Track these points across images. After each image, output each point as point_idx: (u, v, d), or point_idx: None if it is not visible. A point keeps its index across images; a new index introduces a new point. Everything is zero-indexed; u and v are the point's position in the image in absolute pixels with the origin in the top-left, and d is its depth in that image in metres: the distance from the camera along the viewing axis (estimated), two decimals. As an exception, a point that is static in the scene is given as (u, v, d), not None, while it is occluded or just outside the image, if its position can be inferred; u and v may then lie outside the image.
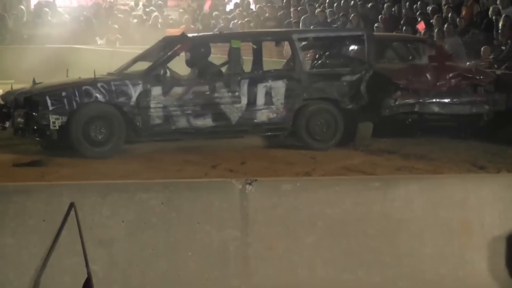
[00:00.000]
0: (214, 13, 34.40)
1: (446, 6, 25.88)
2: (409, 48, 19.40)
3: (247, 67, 16.33)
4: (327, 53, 17.39)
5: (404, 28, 24.86)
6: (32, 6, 38.66)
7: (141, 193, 6.35)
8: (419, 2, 26.96)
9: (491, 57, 21.16)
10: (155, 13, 35.24)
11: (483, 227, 6.58)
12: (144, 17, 35.34)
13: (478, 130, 16.72)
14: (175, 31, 27.97)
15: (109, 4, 39.07)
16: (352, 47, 17.13)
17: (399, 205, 6.59)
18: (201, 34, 20.28)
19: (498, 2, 24.72)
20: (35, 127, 14.18)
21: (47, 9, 36.38)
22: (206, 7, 36.64)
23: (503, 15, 23.64)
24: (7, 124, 14.63)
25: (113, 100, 14.31)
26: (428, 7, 26.84)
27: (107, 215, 6.01)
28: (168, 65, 15.36)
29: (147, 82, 14.52)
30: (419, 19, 25.64)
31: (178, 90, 14.77)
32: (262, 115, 15.06)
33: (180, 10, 37.04)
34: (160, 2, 37.58)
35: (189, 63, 15.95)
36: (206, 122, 14.80)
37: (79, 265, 5.75)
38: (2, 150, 15.10)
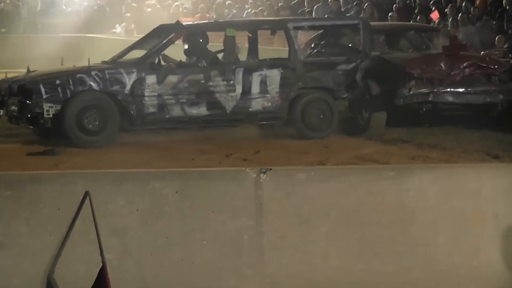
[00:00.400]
0: (227, 2, 34.51)
1: None
2: (423, 37, 19.27)
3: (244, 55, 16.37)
4: (323, 42, 17.41)
5: (418, 17, 24.82)
6: None
7: (155, 182, 6.36)
8: None
9: (505, 46, 21.04)
10: (169, 1, 36.79)
11: (497, 216, 6.55)
12: (158, 6, 36.31)
13: (492, 120, 16.62)
14: (189, 20, 28.17)
15: None
16: (349, 35, 17.08)
17: (413, 195, 6.59)
18: (196, 22, 20.34)
19: (512, -9, 25.91)
20: (29, 115, 14.20)
21: None
22: None
23: (517, 4, 24.51)
24: (1, 112, 14.57)
25: (107, 88, 14.31)
26: None
27: (122, 204, 6.01)
28: (164, 52, 15.54)
29: (142, 71, 14.51)
30: (433, 8, 25.77)
31: (172, 78, 14.80)
32: (257, 104, 15.13)
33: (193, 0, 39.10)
34: None
35: (186, 52, 15.95)
36: (201, 110, 14.84)
37: (94, 254, 5.76)
38: (16, 139, 15.32)
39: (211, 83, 15.03)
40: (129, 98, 14.39)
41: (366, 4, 27.78)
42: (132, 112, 14.36)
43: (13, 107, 14.24)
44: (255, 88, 15.05)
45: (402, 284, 6.47)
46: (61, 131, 14.37)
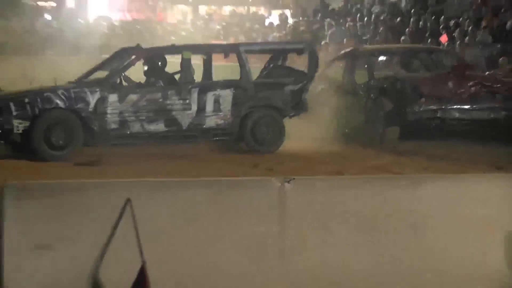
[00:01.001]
0: (255, 26, 36.40)
1: (467, 20, 26.78)
2: (432, 58, 20.10)
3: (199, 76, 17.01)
4: (272, 64, 17.75)
5: (429, 40, 26.34)
6: (91, 21, 40.50)
7: (188, 190, 6.84)
8: (442, 17, 28.14)
9: (508, 67, 21.58)
10: (202, 26, 39.04)
11: (504, 224, 6.97)
12: (192, 30, 38.06)
13: (498, 134, 17.16)
14: (219, 42, 33.87)
15: (160, 17, 42.23)
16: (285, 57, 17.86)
17: (425, 202, 6.98)
18: (155, 46, 19.80)
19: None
20: (0, 131, 14.85)
21: (104, 23, 38.36)
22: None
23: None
24: None
25: (72, 106, 14.89)
26: (451, 21, 27.70)
27: (158, 210, 6.37)
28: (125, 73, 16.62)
29: (104, 90, 15.14)
30: (443, 32, 27.14)
31: (133, 97, 15.47)
32: (211, 121, 15.85)
33: (223, 24, 38.82)
34: (206, 16, 40.80)
35: (145, 73, 16.47)
36: (159, 127, 15.47)
37: (134, 255, 6.10)
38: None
39: (168, 102, 15.72)
40: (93, 115, 14.95)
41: (381, 28, 28.92)
42: (95, 128, 14.92)
43: None
44: (209, 107, 15.76)
45: (416, 285, 6.76)
46: (29, 146, 14.64)
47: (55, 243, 6.24)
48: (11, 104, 14.69)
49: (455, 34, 26.48)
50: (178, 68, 16.69)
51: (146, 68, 16.57)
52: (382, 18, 30.79)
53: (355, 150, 17.02)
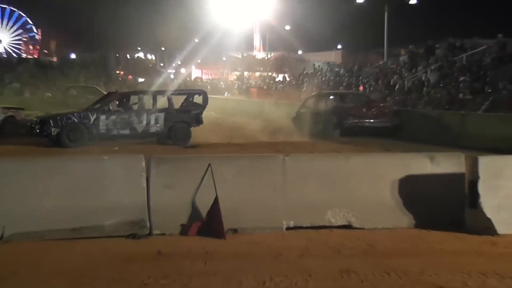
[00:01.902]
0: (270, 82, 60.61)
1: (371, 80, 42.22)
2: (353, 97, 32.84)
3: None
4: (187, 100, 24.99)
5: (353, 88, 42.50)
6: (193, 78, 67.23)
7: (236, 159, 10.29)
8: (360, 77, 44.99)
9: (391, 102, 31.22)
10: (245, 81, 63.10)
11: (390, 177, 9.88)
12: (239, 83, 62.33)
13: (387, 134, 24.03)
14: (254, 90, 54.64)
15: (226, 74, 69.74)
16: (196, 96, 24.74)
17: (352, 166, 10.07)
18: (123, 91, 28.36)
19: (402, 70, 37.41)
20: (45, 133, 22.25)
21: (198, 79, 64.17)
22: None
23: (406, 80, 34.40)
24: (34, 131, 22.40)
25: (82, 121, 22.17)
26: (364, 80, 43.39)
27: (223, 169, 9.37)
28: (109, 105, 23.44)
29: (98, 113, 22.81)
30: (360, 84, 41.88)
31: (113, 117, 22.77)
32: (153, 129, 23.19)
33: (255, 81, 63.23)
34: (247, 76, 67.16)
35: (117, 105, 23.76)
36: (126, 131, 22.87)
37: (212, 192, 9.12)
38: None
39: (131, 119, 22.94)
40: (92, 125, 22.24)
41: (331, 83, 49.99)
42: (93, 132, 22.24)
43: (36, 129, 22.30)
44: (152, 122, 23.29)
45: (348, 203, 9.84)
46: (60, 139, 21.99)
47: (174, 184, 9.27)
48: (50, 120, 22.11)
49: (366, 86, 38.28)
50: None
51: (117, 102, 23.46)
52: (331, 78, 45.88)
53: (318, 141, 22.95)
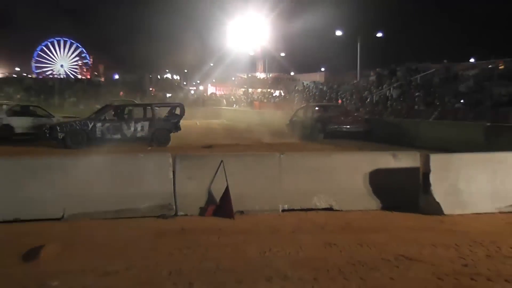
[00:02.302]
0: (269, 96, 56.49)
1: (348, 95, 41.53)
2: (334, 108, 34.32)
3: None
4: (170, 111, 23.72)
5: (333, 101, 39.88)
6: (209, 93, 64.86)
7: (244, 157, 10.14)
8: (339, 92, 45.33)
9: (363, 112, 30.59)
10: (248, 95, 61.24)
11: (362, 170, 9.70)
12: (245, 97, 59.34)
13: (360, 137, 23.11)
14: (256, 103, 53.59)
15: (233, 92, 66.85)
16: (176, 108, 23.16)
17: (333, 161, 9.86)
18: (117, 104, 26.85)
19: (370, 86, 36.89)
20: (53, 137, 21.11)
21: (213, 95, 60.04)
22: None
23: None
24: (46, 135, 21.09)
25: (82, 127, 21.27)
26: (343, 95, 42.19)
27: (233, 165, 9.25)
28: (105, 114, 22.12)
29: (95, 121, 21.62)
30: (339, 98, 40.41)
31: (107, 124, 21.62)
32: (139, 134, 22.09)
33: (257, 95, 60.03)
34: (251, 92, 65.79)
35: (113, 115, 22.55)
36: (117, 135, 21.63)
37: (223, 182, 9.06)
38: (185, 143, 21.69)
39: (122, 126, 21.89)
40: (90, 131, 21.29)
41: (316, 97, 46.93)
42: (91, 137, 21.05)
43: (47, 133, 21.23)
44: (139, 128, 22.14)
45: (330, 190, 9.60)
46: (65, 142, 20.90)
47: (194, 176, 9.18)
48: (57, 127, 21.14)
49: (344, 99, 38.25)
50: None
51: (113, 113, 22.47)
52: (316, 93, 45.14)
53: (307, 143, 22.29)
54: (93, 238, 7.61)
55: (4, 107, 24.91)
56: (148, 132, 21.92)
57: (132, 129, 21.94)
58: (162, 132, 22.12)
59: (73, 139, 21.09)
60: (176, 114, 23.02)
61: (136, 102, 41.32)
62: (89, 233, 7.85)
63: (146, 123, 22.01)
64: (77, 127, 21.30)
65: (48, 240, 7.23)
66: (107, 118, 21.74)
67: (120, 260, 6.52)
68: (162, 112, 23.72)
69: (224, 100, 55.09)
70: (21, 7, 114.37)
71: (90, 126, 21.37)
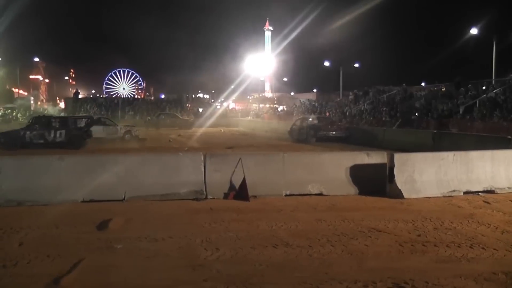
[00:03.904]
0: (272, 111, 52.60)
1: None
2: (323, 118, 32.04)
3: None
4: (85, 122, 21.17)
5: (328, 114, 38.88)
6: (230, 108, 63.59)
7: (257, 155, 9.87)
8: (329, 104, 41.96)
9: (344, 122, 29.35)
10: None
11: (344, 165, 9.45)
12: (257, 111, 56.53)
13: (342, 140, 22.38)
14: (265, 115, 51.66)
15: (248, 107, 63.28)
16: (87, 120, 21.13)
17: (323, 159, 9.66)
18: (45, 115, 24.19)
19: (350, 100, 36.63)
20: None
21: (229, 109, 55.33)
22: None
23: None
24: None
25: (18, 134, 19.21)
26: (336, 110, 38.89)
27: (248, 161, 9.08)
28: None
29: (26, 130, 19.21)
30: (326, 111, 38.69)
31: (34, 131, 19.39)
32: (59, 139, 19.65)
33: (263, 111, 56.82)
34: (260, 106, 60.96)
35: (42, 124, 19.65)
36: (41, 140, 19.32)
37: (241, 174, 8.86)
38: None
39: (44, 134, 19.76)
40: (21, 136, 19.27)
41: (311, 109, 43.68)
42: (23, 141, 18.84)
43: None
44: (58, 135, 19.89)
45: (320, 180, 9.32)
46: (3, 145, 18.66)
47: (219, 169, 8.97)
48: (2, 133, 18.86)
49: (330, 113, 37.12)
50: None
51: (43, 122, 19.76)
52: (310, 108, 43.26)
53: (303, 145, 21.42)
54: (146, 214, 7.57)
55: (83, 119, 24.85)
56: (65, 138, 19.68)
57: (53, 135, 19.67)
58: (76, 138, 19.93)
59: (9, 143, 18.96)
60: (88, 124, 21.11)
61: (177, 114, 41.22)
62: (143, 210, 7.82)
63: (63, 131, 19.78)
64: (14, 134, 19.47)
65: (114, 215, 7.31)
66: (36, 127, 19.74)
67: (165, 231, 6.51)
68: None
69: (240, 114, 54.53)
70: (93, 48, 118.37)
71: (22, 133, 19.37)
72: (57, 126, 19.66)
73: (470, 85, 27.00)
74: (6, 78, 66.63)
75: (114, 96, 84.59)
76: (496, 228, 6.77)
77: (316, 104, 44.87)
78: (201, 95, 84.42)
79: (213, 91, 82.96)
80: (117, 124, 24.50)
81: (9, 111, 49.29)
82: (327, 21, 74.68)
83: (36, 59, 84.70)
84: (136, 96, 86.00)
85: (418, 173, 9.06)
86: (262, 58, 77.07)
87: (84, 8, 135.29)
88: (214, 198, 8.69)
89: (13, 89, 74.57)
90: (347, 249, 5.73)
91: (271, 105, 63.05)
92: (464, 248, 5.73)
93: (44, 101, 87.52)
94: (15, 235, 6.27)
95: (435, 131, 19.28)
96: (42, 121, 20.19)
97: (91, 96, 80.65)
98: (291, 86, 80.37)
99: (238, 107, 69.33)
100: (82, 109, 48.53)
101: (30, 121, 20.73)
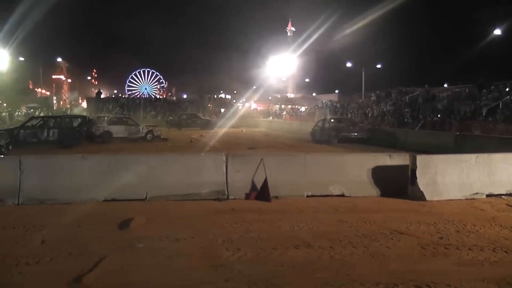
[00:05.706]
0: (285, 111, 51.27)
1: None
2: (345, 120, 31.72)
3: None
4: (79, 122, 21.29)
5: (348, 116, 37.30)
6: (252, 108, 61.60)
7: (278, 156, 9.78)
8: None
9: (366, 123, 28.86)
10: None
11: (366, 166, 9.46)
12: (279, 111, 56.58)
13: (364, 142, 21.86)
14: (287, 116, 52.04)
15: (269, 108, 62.90)
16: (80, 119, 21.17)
17: (345, 159, 9.58)
18: (39, 116, 23.06)
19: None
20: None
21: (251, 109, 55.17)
22: None
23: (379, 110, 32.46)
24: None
25: (12, 132, 18.65)
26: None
27: (270, 162, 9.07)
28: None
29: (20, 129, 19.31)
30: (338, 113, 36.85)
31: (28, 131, 19.41)
32: (51, 138, 19.81)
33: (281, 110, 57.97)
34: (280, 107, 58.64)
35: (35, 124, 19.83)
36: (35, 139, 19.54)
37: (263, 174, 8.88)
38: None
39: (37, 133, 19.84)
40: (16, 135, 18.95)
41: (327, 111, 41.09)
42: (17, 140, 18.48)
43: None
44: (51, 134, 19.89)
45: (342, 181, 9.23)
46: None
47: (241, 170, 8.97)
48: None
49: (352, 114, 36.84)
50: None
51: (37, 121, 20.16)
52: (331, 109, 43.88)
53: (324, 146, 21.07)
54: (167, 214, 7.59)
55: (106, 118, 25.03)
56: (58, 137, 19.86)
57: (46, 134, 19.79)
58: (68, 137, 19.98)
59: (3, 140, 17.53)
60: (82, 124, 21.34)
61: (199, 115, 41.33)
62: (165, 210, 7.84)
63: (56, 130, 19.96)
64: (7, 133, 18.39)
65: (136, 214, 7.32)
66: (29, 126, 19.85)
67: (187, 230, 6.52)
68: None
69: (261, 115, 54.45)
70: (116, 48, 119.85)
71: (16, 132, 19.32)
72: (51, 125, 20.04)
73: (493, 87, 26.57)
74: (29, 77, 67.90)
75: (136, 96, 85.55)
76: (520, 231, 6.16)
77: (338, 105, 44.56)
78: (223, 95, 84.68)
79: (235, 92, 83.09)
80: (139, 124, 24.59)
81: (32, 110, 50.16)
82: (348, 22, 74.21)
83: (59, 59, 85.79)
84: (158, 97, 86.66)
85: (440, 175, 8.93)
86: (284, 58, 76.82)
87: (107, 8, 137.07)
88: (235, 199, 8.62)
89: (36, 89, 75.93)
90: (368, 251, 5.66)
91: (293, 106, 62.94)
92: (487, 252, 5.63)
93: (67, 100, 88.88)
94: (38, 233, 6.36)
95: (457, 133, 19.12)
96: (36, 121, 20.58)
97: (113, 96, 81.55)
98: (313, 87, 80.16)
99: (259, 107, 69.43)
100: (104, 109, 49.29)
101: (25, 121, 20.86)
